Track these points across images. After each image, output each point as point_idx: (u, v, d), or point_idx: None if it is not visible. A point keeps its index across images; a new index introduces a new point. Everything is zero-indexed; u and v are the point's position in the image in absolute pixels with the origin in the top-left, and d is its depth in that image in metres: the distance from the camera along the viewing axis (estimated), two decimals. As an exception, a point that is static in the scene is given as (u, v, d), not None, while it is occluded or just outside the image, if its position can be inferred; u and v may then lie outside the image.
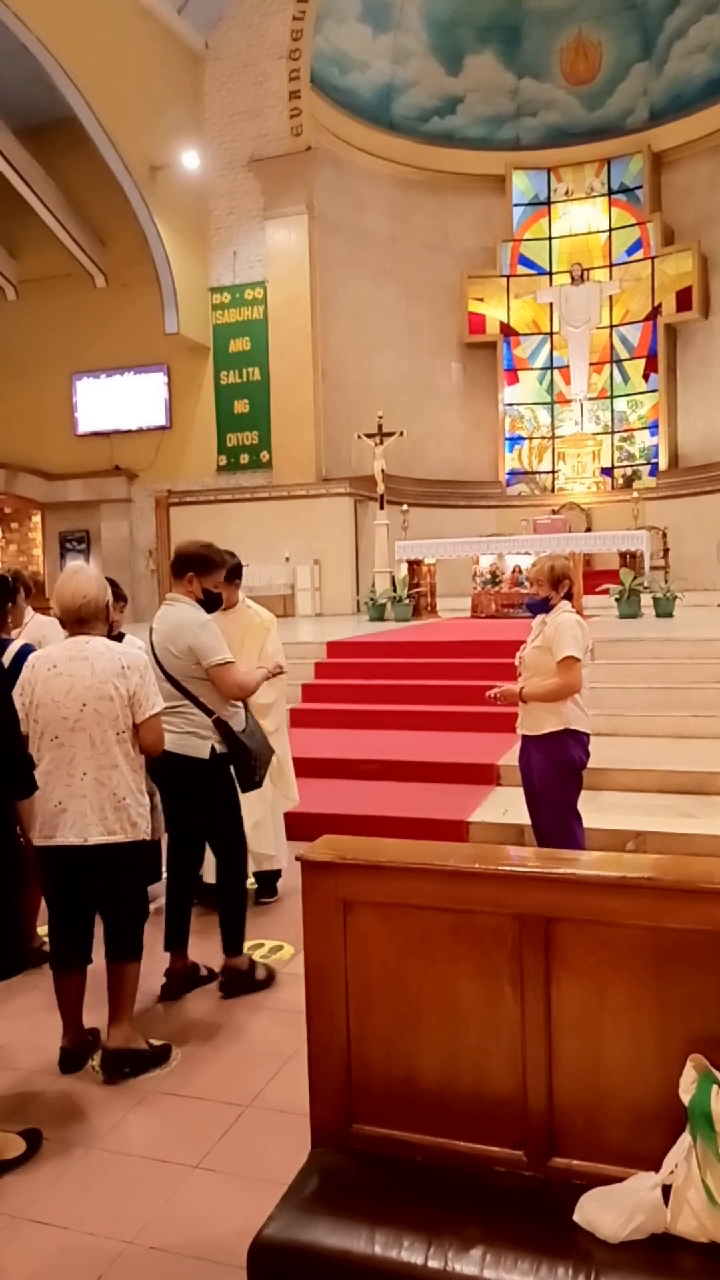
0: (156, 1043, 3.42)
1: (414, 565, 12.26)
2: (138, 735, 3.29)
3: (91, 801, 3.19)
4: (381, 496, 12.92)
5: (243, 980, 3.89)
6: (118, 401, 15.33)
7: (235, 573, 4.67)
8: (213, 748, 3.79)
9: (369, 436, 12.82)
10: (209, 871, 4.74)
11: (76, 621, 3.29)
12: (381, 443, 12.74)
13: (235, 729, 3.84)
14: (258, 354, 14.70)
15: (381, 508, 12.93)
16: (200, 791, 3.84)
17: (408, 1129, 2.12)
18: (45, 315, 15.45)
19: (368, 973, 2.15)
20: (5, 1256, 2.42)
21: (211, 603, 3.97)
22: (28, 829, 3.15)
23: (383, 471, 12.90)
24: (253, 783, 3.94)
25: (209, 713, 3.78)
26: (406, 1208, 1.90)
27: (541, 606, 4.39)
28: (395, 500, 13.38)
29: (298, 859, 2.20)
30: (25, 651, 3.76)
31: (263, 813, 4.71)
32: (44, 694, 3.20)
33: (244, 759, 3.87)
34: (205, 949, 4.24)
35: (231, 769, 3.89)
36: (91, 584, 3.31)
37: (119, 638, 3.99)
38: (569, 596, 4.40)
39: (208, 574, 3.94)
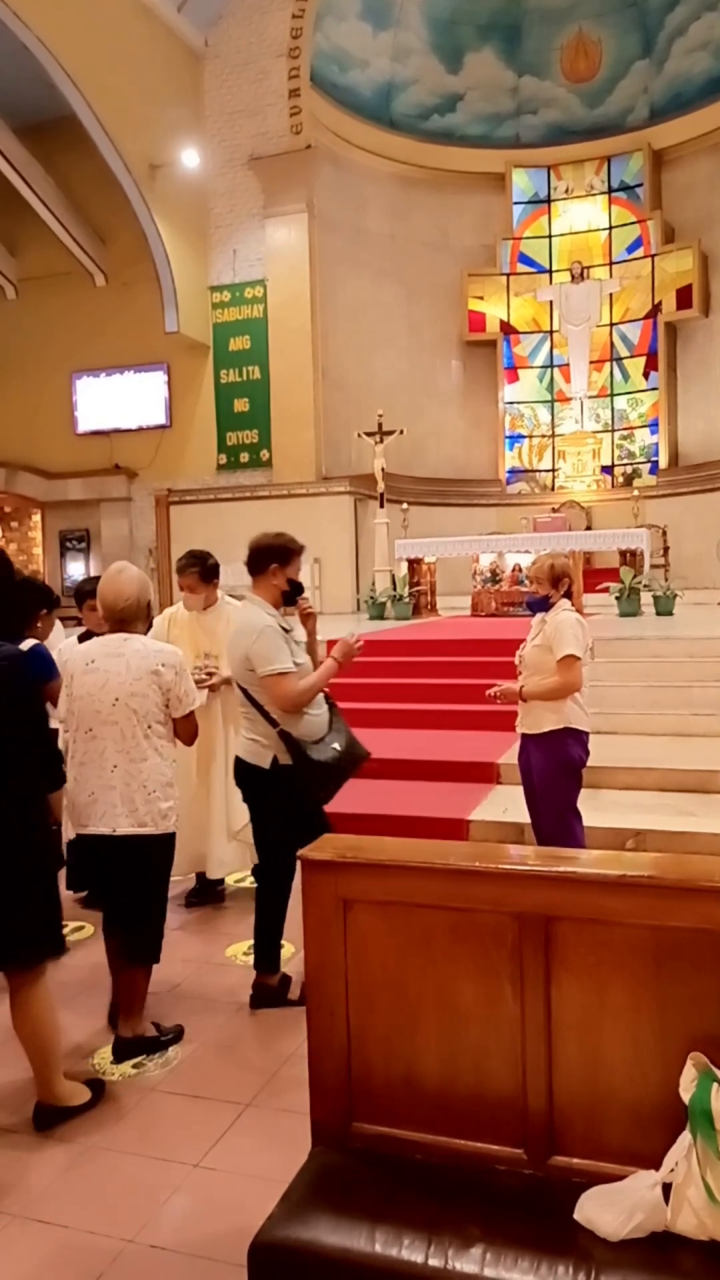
0: (166, 1027, 3.50)
1: (414, 564, 12.26)
2: (176, 730, 3.43)
3: (121, 793, 3.28)
4: (381, 495, 12.92)
5: (270, 996, 3.74)
6: (117, 400, 15.32)
7: (213, 572, 4.77)
8: (274, 759, 3.63)
9: (369, 435, 12.82)
10: (214, 868, 4.76)
11: (118, 621, 3.39)
12: (381, 441, 12.73)
13: (309, 739, 3.62)
14: (258, 353, 14.70)
15: (381, 506, 12.93)
16: (263, 800, 3.71)
17: (408, 1128, 2.12)
18: (45, 314, 15.44)
19: (368, 972, 2.15)
20: (5, 1256, 2.42)
21: (295, 591, 3.80)
22: (56, 818, 3.25)
23: (383, 470, 12.89)
24: (326, 798, 3.73)
25: (273, 723, 3.60)
26: (406, 1207, 1.90)
27: (541, 605, 4.39)
28: (395, 499, 13.38)
29: (297, 858, 2.20)
30: (39, 650, 3.77)
31: None
32: (80, 688, 3.32)
33: (310, 774, 3.61)
34: (204, 949, 4.24)
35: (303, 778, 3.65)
36: (132, 585, 3.40)
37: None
38: (569, 595, 4.39)
39: (289, 563, 3.78)
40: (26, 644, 3.82)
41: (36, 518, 16.07)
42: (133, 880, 3.35)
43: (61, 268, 15.11)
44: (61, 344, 15.33)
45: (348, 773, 3.74)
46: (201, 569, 4.75)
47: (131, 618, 3.40)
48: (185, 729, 3.46)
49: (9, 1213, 2.58)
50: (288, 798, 3.67)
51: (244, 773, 3.73)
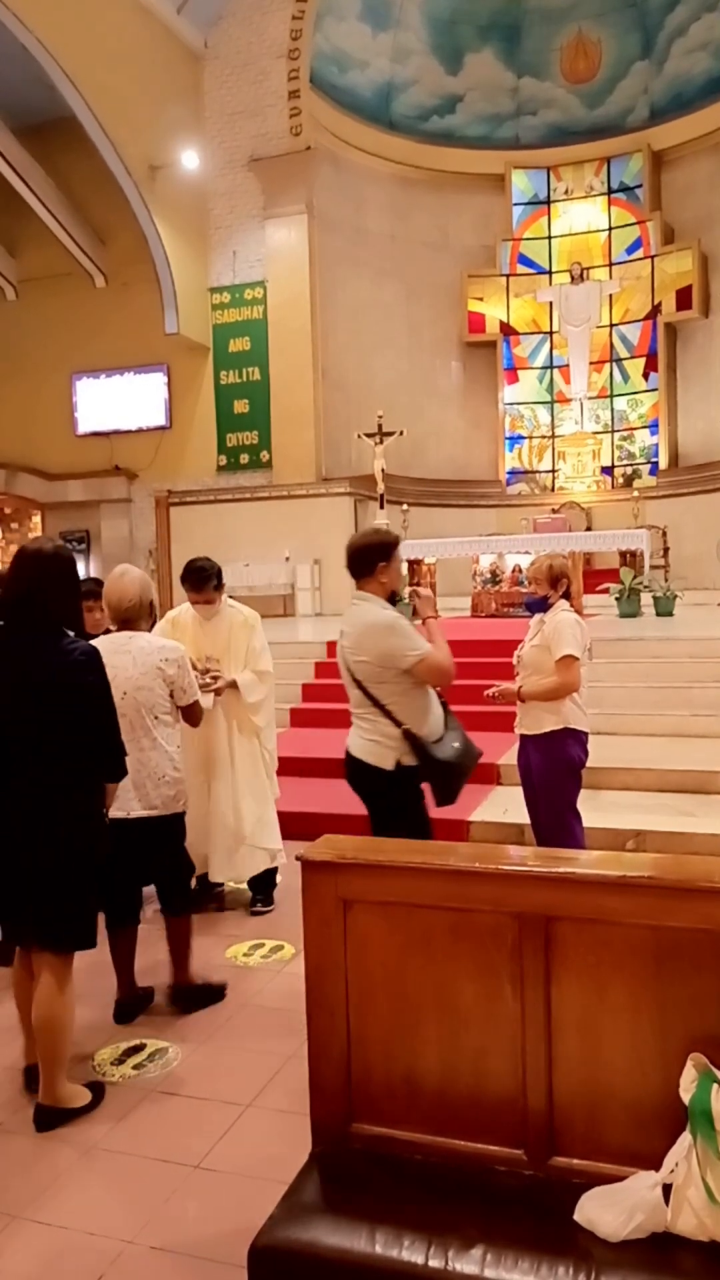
0: (215, 981, 3.83)
1: (414, 564, 12.25)
2: (184, 716, 3.76)
3: (133, 779, 3.53)
4: (381, 496, 12.92)
5: None
6: (117, 401, 15.32)
7: (221, 578, 4.77)
8: (398, 761, 3.58)
9: (369, 436, 12.81)
10: (216, 871, 4.74)
11: (123, 620, 3.68)
12: (381, 442, 12.73)
13: (429, 739, 3.60)
14: (258, 354, 14.69)
15: (381, 507, 12.92)
16: (385, 801, 3.69)
17: (408, 1128, 2.12)
18: (45, 315, 15.44)
19: (368, 972, 2.15)
20: (5, 1257, 2.42)
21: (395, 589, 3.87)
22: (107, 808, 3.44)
23: (383, 471, 12.89)
24: (449, 798, 3.68)
25: (397, 723, 3.57)
26: (406, 1207, 1.90)
27: (540, 605, 4.40)
28: (395, 500, 13.37)
29: (298, 859, 2.20)
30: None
31: (263, 808, 4.75)
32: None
33: (436, 775, 3.61)
34: (205, 950, 4.24)
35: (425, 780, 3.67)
36: (134, 586, 3.67)
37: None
38: (567, 595, 4.40)
39: (392, 560, 3.74)
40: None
41: (36, 519, 16.07)
42: (155, 853, 3.69)
43: (61, 269, 15.11)
44: (61, 345, 15.32)
45: (468, 771, 3.71)
46: (217, 581, 4.73)
47: (135, 617, 3.66)
48: (191, 715, 3.78)
49: (9, 1213, 2.58)
50: (409, 799, 3.66)
51: (362, 773, 3.67)
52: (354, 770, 3.69)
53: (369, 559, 3.68)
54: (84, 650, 3.00)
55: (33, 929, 3.02)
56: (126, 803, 3.56)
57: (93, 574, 13.61)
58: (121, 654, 3.57)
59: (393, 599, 3.78)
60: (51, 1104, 2.98)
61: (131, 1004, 3.73)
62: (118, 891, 3.59)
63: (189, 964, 3.79)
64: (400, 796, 3.64)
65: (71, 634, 3.06)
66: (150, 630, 3.79)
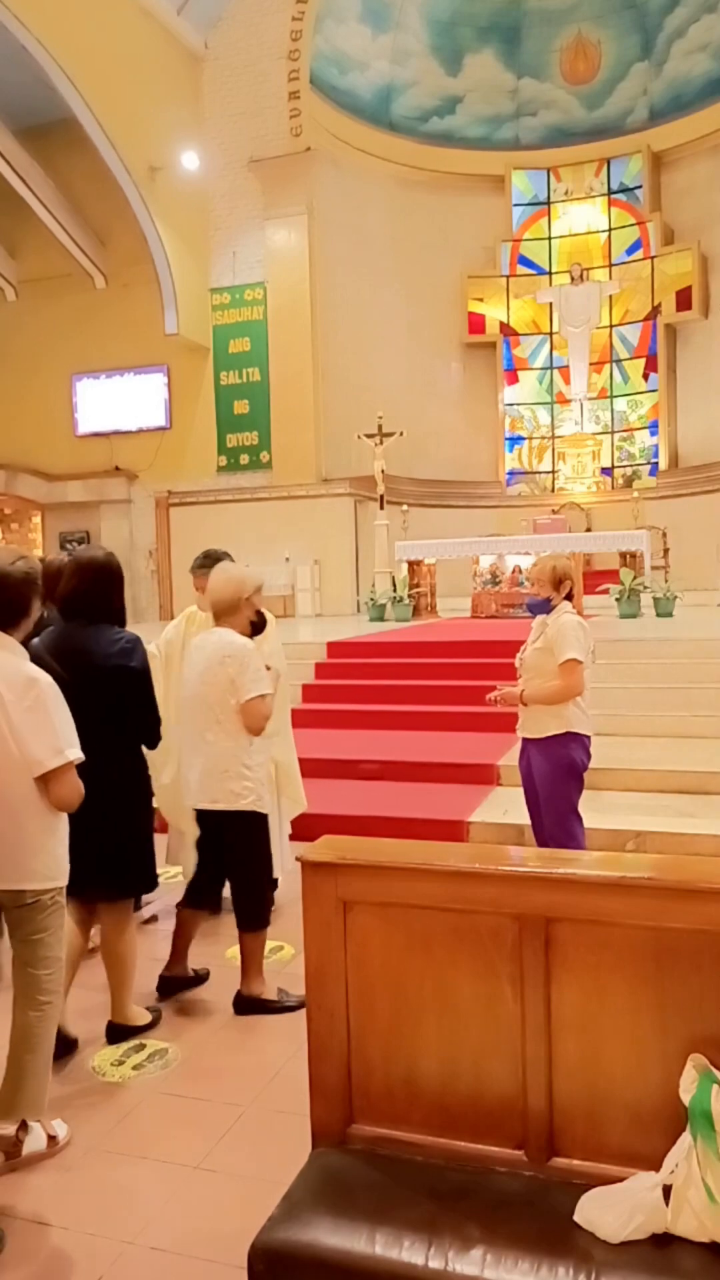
0: (290, 996, 3.72)
1: (414, 565, 12.26)
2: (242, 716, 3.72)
3: (200, 771, 3.71)
4: (381, 497, 12.92)
5: None
6: (118, 402, 15.33)
7: None
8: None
9: (369, 436, 12.82)
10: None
11: (215, 616, 3.82)
12: (381, 443, 12.73)
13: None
14: (258, 354, 14.70)
15: (381, 508, 12.93)
16: None
17: (408, 1129, 2.12)
18: (45, 315, 15.44)
19: (368, 973, 2.15)
20: (5, 1258, 2.42)
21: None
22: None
23: (383, 471, 12.89)
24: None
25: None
26: (406, 1208, 1.90)
27: (542, 607, 4.38)
28: (395, 500, 13.37)
29: (298, 859, 2.20)
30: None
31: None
32: (184, 677, 3.84)
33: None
34: (205, 951, 4.25)
35: None
36: (226, 586, 3.81)
37: None
38: (570, 597, 4.39)
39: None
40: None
41: (37, 519, 16.08)
42: (225, 849, 3.76)
43: (61, 270, 15.12)
44: (61, 346, 15.33)
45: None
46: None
47: (223, 613, 3.79)
48: (247, 715, 3.68)
49: (9, 1214, 2.58)
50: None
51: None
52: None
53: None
54: (128, 640, 3.50)
55: (97, 880, 3.38)
56: (196, 795, 3.74)
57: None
58: (199, 650, 3.77)
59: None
60: (121, 1022, 3.50)
61: (175, 982, 3.88)
62: (195, 875, 3.93)
63: (252, 975, 3.76)
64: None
65: (118, 626, 3.55)
66: (259, 625, 3.89)
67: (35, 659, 3.11)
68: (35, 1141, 2.81)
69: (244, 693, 3.65)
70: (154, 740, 3.60)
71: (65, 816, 2.87)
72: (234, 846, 3.76)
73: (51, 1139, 2.85)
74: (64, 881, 2.88)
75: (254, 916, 3.78)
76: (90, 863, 3.22)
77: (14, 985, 2.85)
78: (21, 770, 2.70)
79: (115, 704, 3.42)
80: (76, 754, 2.76)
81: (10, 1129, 2.78)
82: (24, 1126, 2.80)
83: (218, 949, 4.34)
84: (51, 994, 2.85)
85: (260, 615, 3.99)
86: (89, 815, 3.11)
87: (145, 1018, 3.58)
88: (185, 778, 3.85)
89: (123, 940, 3.54)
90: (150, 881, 3.63)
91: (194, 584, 4.76)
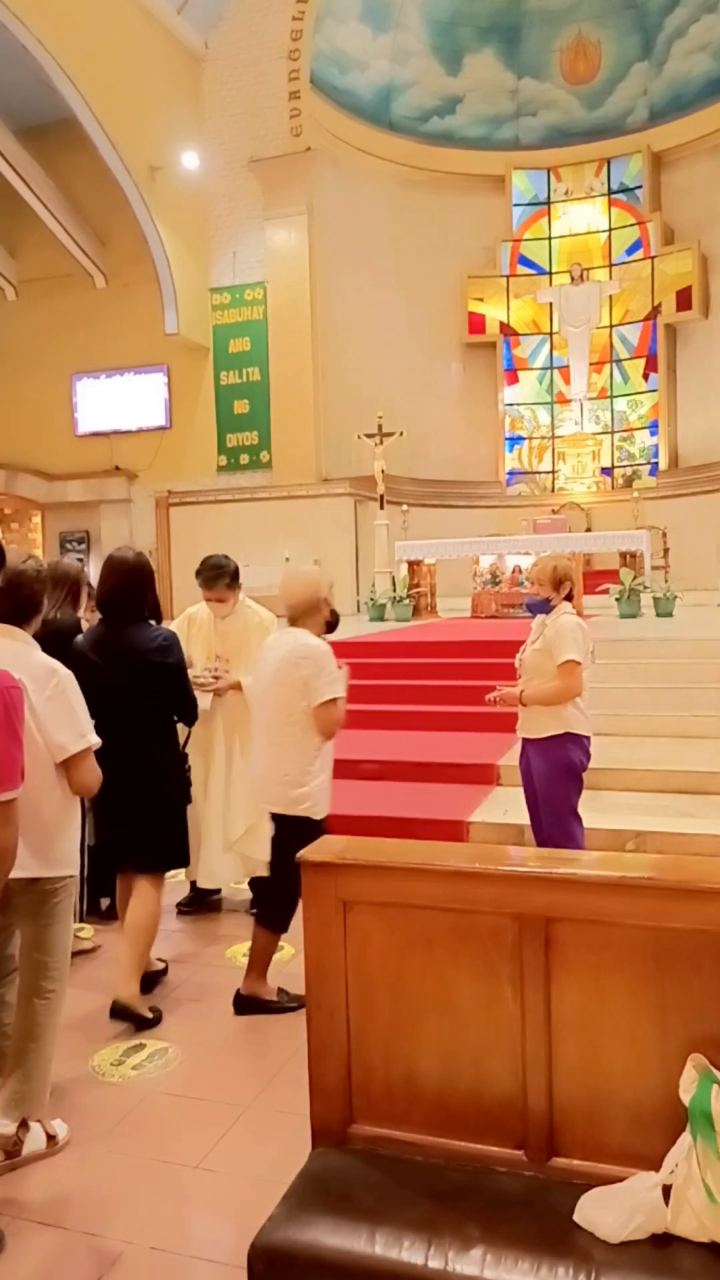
0: (290, 996, 3.71)
1: (414, 565, 12.25)
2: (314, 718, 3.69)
3: (264, 773, 3.74)
4: (381, 497, 12.91)
5: None
6: (118, 402, 15.32)
7: (237, 577, 4.70)
8: None
9: (369, 436, 12.80)
10: (205, 878, 4.71)
11: (290, 618, 3.83)
12: (381, 443, 12.73)
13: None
14: (258, 354, 14.70)
15: (381, 508, 12.92)
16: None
17: (408, 1129, 2.12)
18: (45, 315, 15.44)
19: (368, 973, 2.15)
20: (5, 1258, 2.42)
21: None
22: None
23: (383, 471, 12.88)
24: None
25: None
26: (406, 1208, 1.90)
27: (542, 607, 4.38)
28: (395, 500, 13.36)
29: (298, 859, 2.20)
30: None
31: (256, 817, 4.65)
32: (257, 675, 3.87)
33: None
34: (205, 951, 4.25)
35: None
36: (302, 587, 3.80)
37: None
38: (569, 598, 4.39)
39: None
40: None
41: (37, 519, 16.07)
42: (272, 849, 3.74)
43: (62, 269, 15.11)
44: (61, 345, 15.32)
45: None
46: (231, 580, 4.67)
47: (300, 614, 3.77)
48: (319, 718, 3.65)
49: (9, 1214, 2.58)
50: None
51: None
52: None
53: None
54: (165, 637, 3.78)
55: (138, 852, 3.74)
56: (257, 794, 3.79)
57: (93, 574, 13.57)
58: (272, 650, 3.77)
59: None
60: (126, 1003, 3.61)
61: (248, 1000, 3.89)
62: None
63: (256, 974, 3.76)
64: None
65: (153, 622, 3.81)
66: (325, 627, 3.86)
67: (79, 656, 3.60)
68: (35, 1141, 2.82)
69: (317, 695, 3.61)
70: (192, 718, 4.01)
71: (78, 808, 3.01)
72: (280, 846, 3.66)
73: (51, 1138, 2.85)
74: (75, 870, 2.98)
75: (277, 918, 3.76)
76: (132, 837, 3.69)
77: (20, 975, 2.88)
78: (41, 759, 2.78)
79: (154, 696, 3.74)
80: (95, 739, 2.92)
81: (11, 1127, 2.80)
82: (24, 1125, 2.81)
83: (218, 949, 4.34)
84: (58, 982, 2.88)
85: (334, 614, 3.96)
86: (132, 795, 3.63)
87: (144, 1007, 3.65)
88: (250, 775, 3.91)
89: (145, 912, 3.74)
90: (183, 857, 3.95)
91: (206, 597, 4.71)
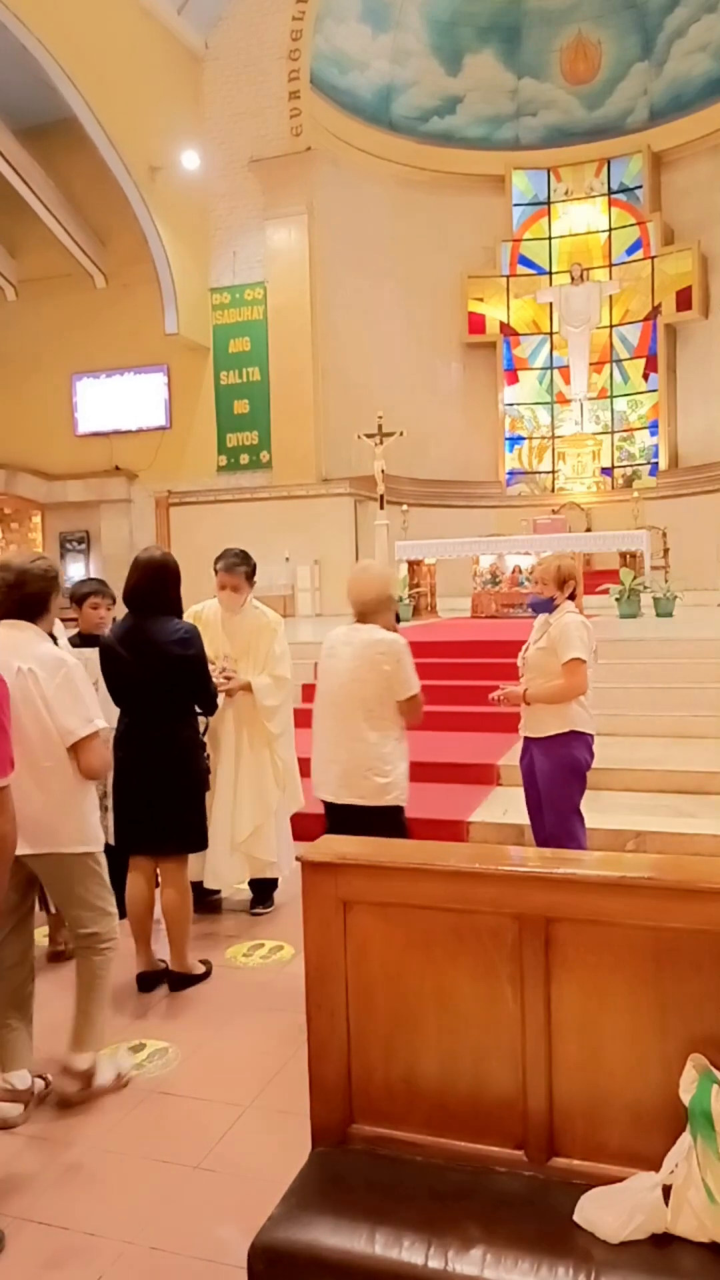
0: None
1: (414, 565, 12.25)
2: (401, 712, 3.79)
3: (346, 767, 3.75)
4: (381, 496, 12.91)
5: None
6: (118, 402, 15.31)
7: (254, 573, 4.71)
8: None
9: (369, 436, 12.80)
10: (210, 878, 4.70)
11: (359, 615, 3.87)
12: (381, 443, 12.72)
13: None
14: (258, 354, 14.69)
15: (381, 508, 12.92)
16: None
17: (408, 1129, 2.12)
18: (45, 315, 15.44)
19: (368, 973, 2.15)
20: (5, 1258, 2.42)
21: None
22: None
23: (383, 471, 12.88)
24: None
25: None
26: (406, 1207, 1.90)
27: (545, 606, 4.38)
28: (395, 500, 13.36)
29: (298, 859, 2.20)
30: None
31: (263, 818, 4.65)
32: (323, 671, 3.88)
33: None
34: (205, 951, 4.25)
35: None
36: (372, 584, 3.88)
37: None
38: (573, 597, 4.39)
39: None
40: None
41: (37, 519, 16.06)
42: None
43: (62, 269, 15.11)
44: (61, 345, 15.32)
45: None
46: (249, 569, 4.70)
47: (371, 611, 3.82)
48: (406, 711, 3.80)
49: (9, 1214, 2.58)
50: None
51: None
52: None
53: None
54: (185, 628, 3.92)
55: (161, 837, 3.90)
56: (336, 789, 3.77)
57: (93, 574, 13.60)
58: (344, 645, 3.79)
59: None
60: (179, 970, 3.94)
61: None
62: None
63: None
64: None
65: (176, 618, 3.96)
66: (391, 622, 3.92)
67: (107, 648, 3.97)
68: (106, 1074, 3.18)
69: (403, 689, 3.74)
70: (212, 709, 4.18)
71: (92, 786, 3.18)
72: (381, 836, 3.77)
73: (118, 1076, 3.22)
74: (97, 847, 3.17)
75: None
76: (155, 823, 3.86)
77: (76, 947, 3.23)
78: (52, 743, 3.00)
79: (173, 686, 3.89)
80: (102, 724, 3.11)
81: (85, 1063, 3.11)
82: (91, 1065, 3.13)
83: (218, 949, 4.34)
84: (109, 941, 3.20)
85: (398, 613, 4.05)
86: (156, 783, 3.85)
87: (200, 968, 4.00)
88: (322, 771, 3.86)
89: (178, 894, 3.92)
90: (202, 841, 4.08)
91: (221, 582, 4.70)
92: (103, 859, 3.20)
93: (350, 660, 3.73)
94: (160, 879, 4.00)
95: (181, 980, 3.94)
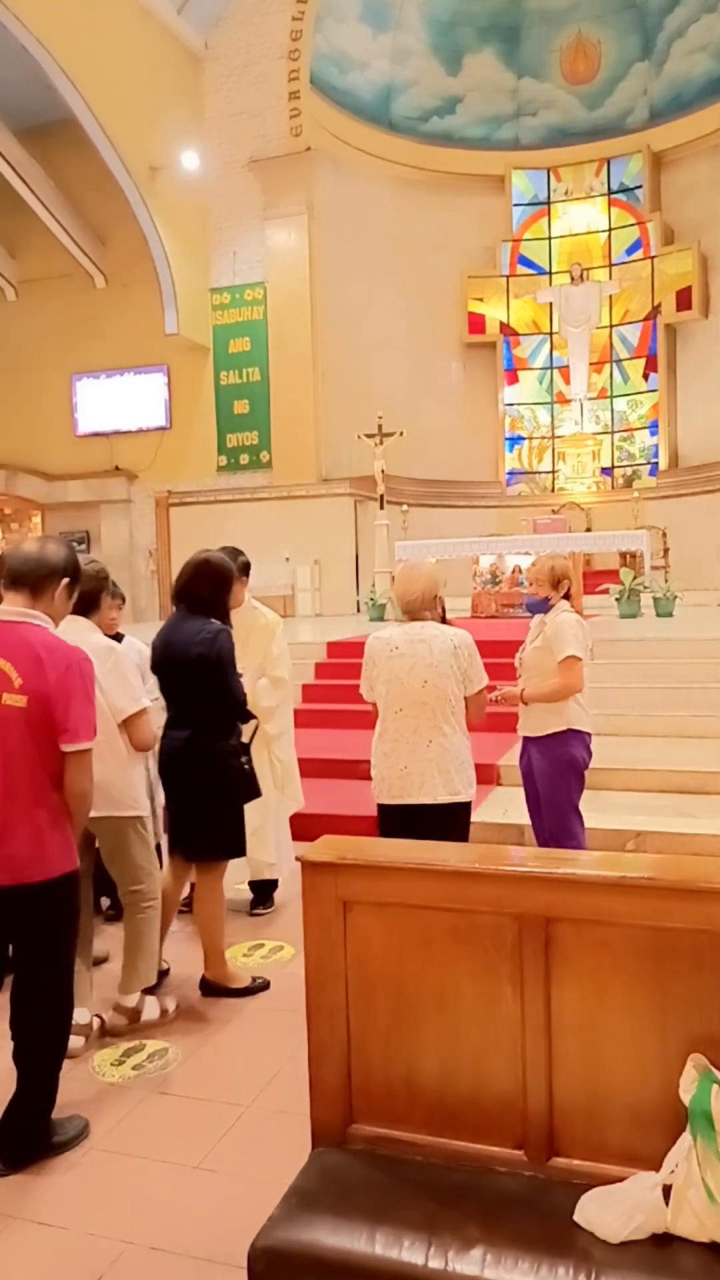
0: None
1: (414, 565, 12.22)
2: (467, 708, 3.76)
3: (438, 765, 3.67)
4: (381, 497, 12.91)
5: None
6: (117, 402, 15.32)
7: (246, 569, 4.68)
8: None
9: (369, 436, 12.80)
10: None
11: (410, 612, 3.85)
12: (381, 443, 12.72)
13: None
14: (257, 354, 14.69)
15: (381, 508, 12.92)
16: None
17: (408, 1129, 2.12)
18: (45, 315, 15.44)
19: (368, 973, 2.15)
20: (5, 1258, 2.42)
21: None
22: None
23: (382, 472, 12.88)
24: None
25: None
26: (406, 1208, 1.90)
27: (540, 607, 4.39)
28: (395, 500, 13.35)
29: (298, 859, 2.20)
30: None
31: (262, 820, 4.64)
32: (387, 671, 3.74)
33: None
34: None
35: None
36: (419, 582, 3.84)
37: (118, 638, 4.05)
38: (568, 596, 4.40)
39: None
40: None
41: (36, 519, 16.06)
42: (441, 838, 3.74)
43: (61, 269, 15.11)
44: (61, 345, 15.32)
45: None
46: (243, 571, 4.65)
47: (419, 609, 3.80)
48: (475, 706, 3.77)
49: (9, 1214, 2.58)
50: None
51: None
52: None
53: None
54: (210, 630, 3.87)
55: (196, 841, 3.91)
56: (432, 789, 3.63)
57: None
58: (419, 643, 3.71)
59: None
60: (214, 980, 3.91)
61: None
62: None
63: None
64: None
65: (213, 620, 3.92)
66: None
67: (154, 645, 4.04)
68: (151, 1010, 3.61)
69: (476, 684, 3.72)
70: (239, 715, 4.03)
71: (141, 759, 3.64)
72: (459, 835, 3.70)
73: (164, 1011, 3.64)
74: (146, 811, 3.64)
75: None
76: (191, 827, 3.88)
77: (122, 906, 3.66)
78: (106, 720, 3.29)
79: (193, 688, 3.84)
80: (148, 702, 3.53)
81: (133, 1000, 3.57)
82: (139, 1000, 3.58)
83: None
84: (152, 899, 3.63)
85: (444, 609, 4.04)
86: (193, 787, 3.85)
87: (241, 980, 3.93)
88: (390, 774, 3.71)
89: (209, 904, 3.95)
90: (240, 848, 3.98)
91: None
92: (149, 825, 3.67)
93: (430, 656, 3.63)
94: (194, 885, 4.05)
95: (213, 988, 3.89)
